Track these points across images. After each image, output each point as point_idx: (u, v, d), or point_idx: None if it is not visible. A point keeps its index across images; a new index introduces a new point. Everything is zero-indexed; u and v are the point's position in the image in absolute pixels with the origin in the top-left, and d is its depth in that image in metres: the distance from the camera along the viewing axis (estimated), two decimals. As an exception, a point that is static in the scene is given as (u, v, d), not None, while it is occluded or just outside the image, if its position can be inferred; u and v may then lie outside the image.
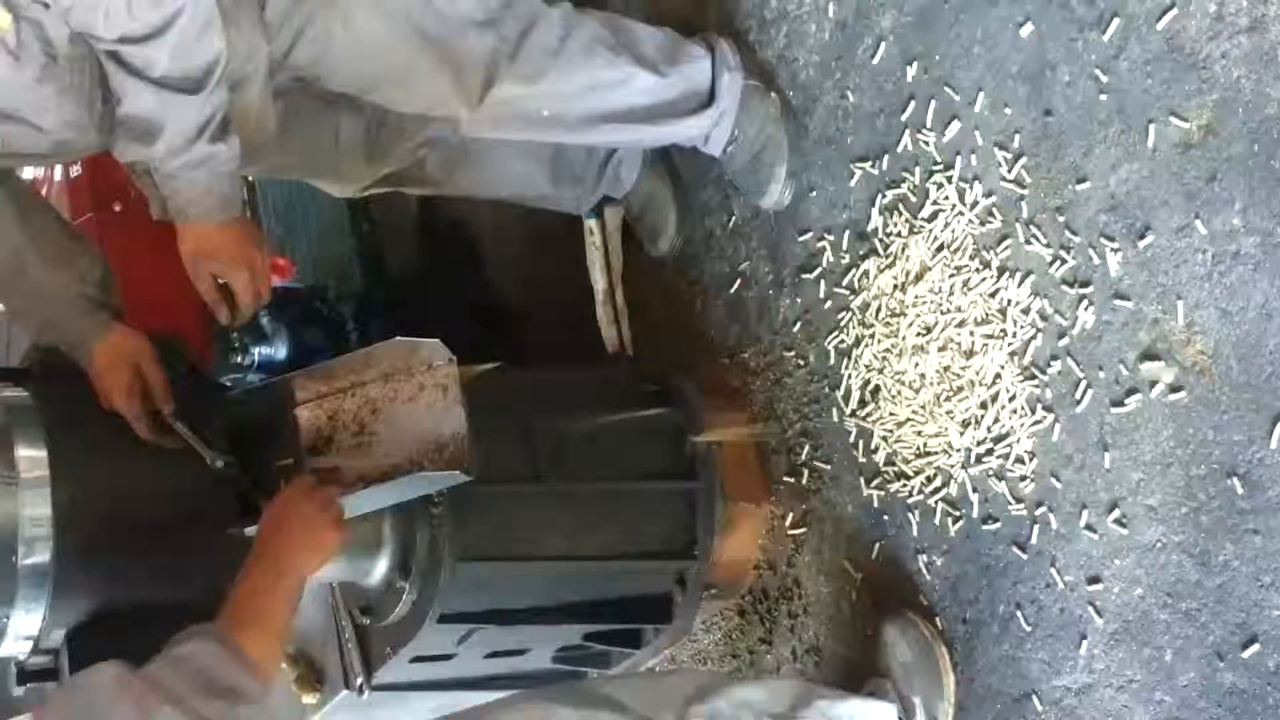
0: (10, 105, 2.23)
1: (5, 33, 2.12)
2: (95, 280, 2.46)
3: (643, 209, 3.14)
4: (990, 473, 2.40)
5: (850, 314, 2.66)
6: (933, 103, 2.49)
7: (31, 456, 2.29)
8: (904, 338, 2.53)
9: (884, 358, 2.57)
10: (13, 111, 2.24)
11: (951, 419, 2.44)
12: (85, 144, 2.38)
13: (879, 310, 2.58)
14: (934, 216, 2.48)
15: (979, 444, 2.41)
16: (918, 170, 2.52)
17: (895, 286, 2.55)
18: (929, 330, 2.48)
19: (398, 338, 2.39)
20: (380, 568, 2.63)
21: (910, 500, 2.55)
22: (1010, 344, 2.34)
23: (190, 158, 2.27)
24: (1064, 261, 2.26)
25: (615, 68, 2.71)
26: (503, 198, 3.16)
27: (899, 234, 2.55)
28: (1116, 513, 2.20)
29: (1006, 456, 2.37)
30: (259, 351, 3.55)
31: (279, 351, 3.59)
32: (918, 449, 2.52)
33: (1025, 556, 2.35)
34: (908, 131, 2.54)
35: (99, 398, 2.39)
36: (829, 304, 2.72)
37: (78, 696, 1.80)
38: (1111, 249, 2.19)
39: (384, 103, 2.66)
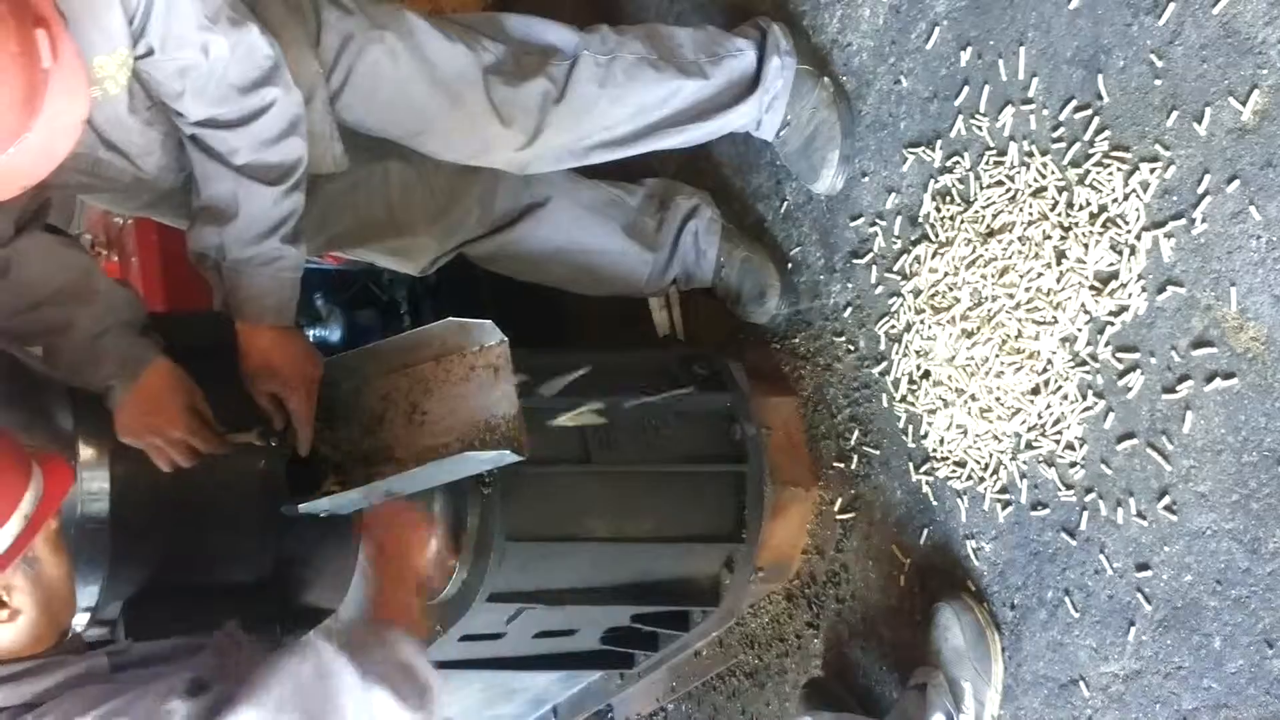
0: (120, 140, 2.31)
1: (118, 92, 2.20)
2: (143, 310, 2.48)
3: (741, 276, 3.02)
4: (1040, 459, 2.39)
5: (901, 299, 2.65)
6: (986, 88, 2.49)
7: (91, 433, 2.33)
8: (955, 323, 2.52)
9: (934, 343, 2.57)
10: (120, 146, 2.32)
11: (1002, 405, 2.44)
12: (165, 186, 2.45)
13: (930, 296, 2.58)
14: (986, 202, 2.47)
15: (1029, 430, 2.41)
16: (970, 155, 2.52)
17: (947, 272, 2.54)
18: (980, 316, 2.47)
19: (450, 318, 2.41)
20: (431, 546, 2.65)
21: (959, 486, 2.54)
22: (1062, 330, 2.34)
23: (259, 252, 2.34)
24: (1116, 247, 2.25)
25: (661, 84, 2.72)
26: (577, 265, 3.05)
27: (951, 219, 2.55)
28: (1166, 499, 2.19)
29: (1057, 443, 2.36)
30: (313, 334, 3.58)
31: (333, 333, 3.62)
32: (968, 435, 2.52)
33: (1074, 543, 2.34)
34: (961, 116, 2.54)
35: (157, 421, 2.36)
36: (880, 289, 2.72)
37: (299, 662, 1.75)
38: (1164, 235, 2.18)
39: (429, 150, 2.68)
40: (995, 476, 2.48)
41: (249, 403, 2.41)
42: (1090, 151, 2.29)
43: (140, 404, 2.33)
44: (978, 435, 2.49)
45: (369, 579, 2.15)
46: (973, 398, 2.49)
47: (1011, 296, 2.41)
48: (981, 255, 2.47)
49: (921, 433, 2.62)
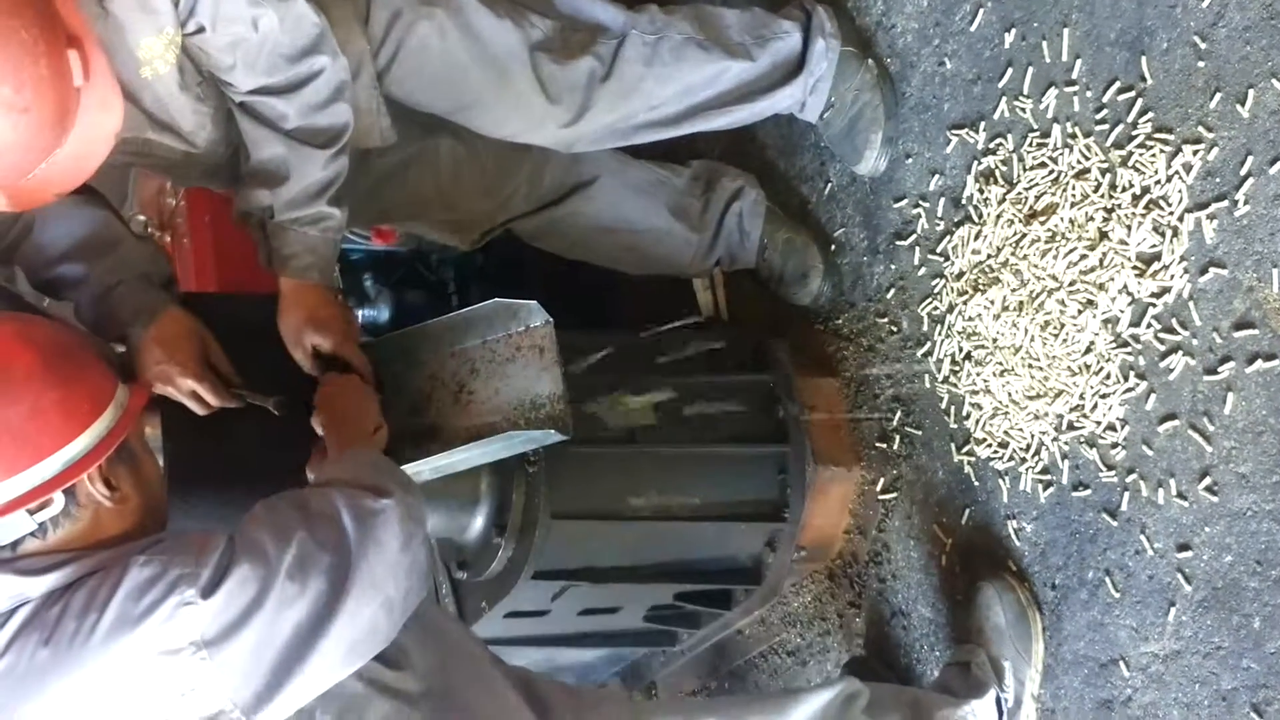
0: (171, 119, 2.36)
1: (168, 71, 2.25)
2: (165, 265, 2.55)
3: (784, 257, 3.04)
4: (1081, 440, 2.40)
5: (944, 280, 2.66)
6: (1030, 69, 2.49)
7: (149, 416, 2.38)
8: (997, 305, 2.53)
9: (977, 324, 2.58)
10: (171, 124, 2.37)
11: (1044, 385, 2.45)
12: (213, 160, 2.50)
13: (973, 277, 2.59)
14: (1029, 184, 2.48)
15: (1071, 410, 2.41)
16: (1013, 137, 2.53)
17: (989, 254, 2.55)
18: (1023, 297, 2.48)
19: (496, 299, 2.44)
20: (477, 523, 2.69)
21: (1001, 466, 2.56)
22: (1104, 311, 2.34)
23: (307, 213, 2.39)
24: (1159, 229, 2.26)
25: (707, 65, 2.73)
26: (622, 243, 3.07)
27: (994, 201, 2.55)
28: (1207, 480, 2.20)
29: (1098, 423, 2.37)
30: (362, 314, 3.61)
31: (381, 314, 3.66)
32: (1010, 416, 2.53)
33: (1115, 523, 2.35)
34: (1004, 98, 2.54)
35: (168, 369, 2.41)
36: (923, 270, 2.73)
37: (281, 504, 1.93)
38: (1207, 216, 2.18)
39: (475, 126, 2.70)
40: (1037, 457, 2.49)
41: (286, 379, 2.46)
42: (1133, 133, 2.30)
43: (152, 352, 2.39)
44: (1020, 416, 2.50)
45: (330, 443, 2.26)
46: (1015, 378, 2.51)
47: (1054, 278, 2.42)
48: (1024, 237, 2.48)
49: (964, 413, 2.63)
